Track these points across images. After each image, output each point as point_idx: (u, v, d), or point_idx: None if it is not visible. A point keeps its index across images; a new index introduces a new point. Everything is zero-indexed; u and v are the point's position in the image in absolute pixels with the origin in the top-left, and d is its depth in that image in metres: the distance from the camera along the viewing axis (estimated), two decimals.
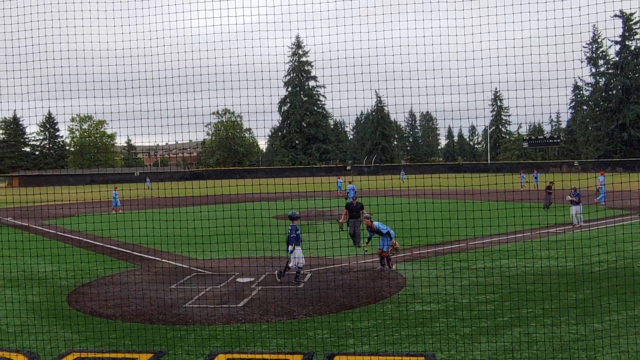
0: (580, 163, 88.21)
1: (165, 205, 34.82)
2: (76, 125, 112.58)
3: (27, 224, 28.90)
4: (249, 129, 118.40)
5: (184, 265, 16.58)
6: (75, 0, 11.01)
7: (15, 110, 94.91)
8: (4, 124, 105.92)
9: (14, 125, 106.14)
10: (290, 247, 13.89)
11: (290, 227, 14.11)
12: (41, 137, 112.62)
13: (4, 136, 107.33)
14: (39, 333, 10.15)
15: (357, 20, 10.31)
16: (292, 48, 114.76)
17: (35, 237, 21.35)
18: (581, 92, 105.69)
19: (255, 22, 10.79)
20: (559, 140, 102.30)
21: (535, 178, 47.41)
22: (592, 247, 16.52)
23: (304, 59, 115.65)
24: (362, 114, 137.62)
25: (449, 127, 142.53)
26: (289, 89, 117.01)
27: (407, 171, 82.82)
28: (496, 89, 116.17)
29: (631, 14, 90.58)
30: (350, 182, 41.88)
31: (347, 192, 39.82)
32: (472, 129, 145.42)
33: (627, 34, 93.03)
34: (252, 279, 14.25)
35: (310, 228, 23.89)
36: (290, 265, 13.97)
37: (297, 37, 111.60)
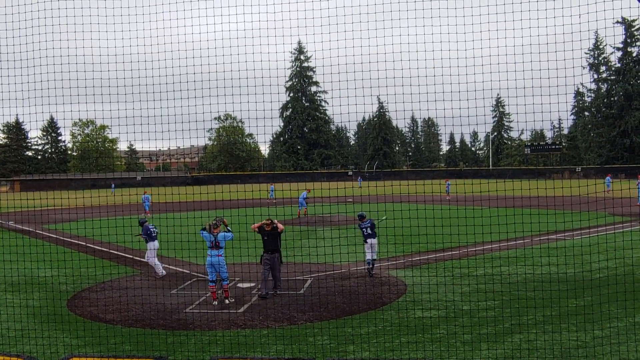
0: (583, 169, 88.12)
1: (166, 210, 34.70)
2: (78, 130, 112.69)
3: (28, 229, 28.92)
4: (251, 134, 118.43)
5: (184, 270, 16.57)
6: (77, 5, 11.06)
7: (17, 114, 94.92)
8: (6, 128, 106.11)
9: (16, 130, 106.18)
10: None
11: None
12: (43, 142, 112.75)
13: (6, 140, 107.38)
14: (39, 338, 10.15)
15: (359, 26, 10.34)
16: (294, 54, 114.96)
17: (36, 242, 21.40)
18: (583, 98, 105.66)
19: (256, 28, 10.81)
20: (560, 147, 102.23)
21: (609, 181, 45.97)
22: (593, 253, 16.50)
23: (305, 64, 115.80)
24: (364, 119, 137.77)
25: (451, 133, 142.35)
26: (291, 94, 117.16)
27: (409, 177, 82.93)
28: (498, 95, 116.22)
29: (633, 21, 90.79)
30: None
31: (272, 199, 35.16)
32: (474, 134, 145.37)
33: (629, 40, 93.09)
34: (252, 285, 14.24)
35: (311, 234, 23.86)
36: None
37: (299, 43, 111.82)
